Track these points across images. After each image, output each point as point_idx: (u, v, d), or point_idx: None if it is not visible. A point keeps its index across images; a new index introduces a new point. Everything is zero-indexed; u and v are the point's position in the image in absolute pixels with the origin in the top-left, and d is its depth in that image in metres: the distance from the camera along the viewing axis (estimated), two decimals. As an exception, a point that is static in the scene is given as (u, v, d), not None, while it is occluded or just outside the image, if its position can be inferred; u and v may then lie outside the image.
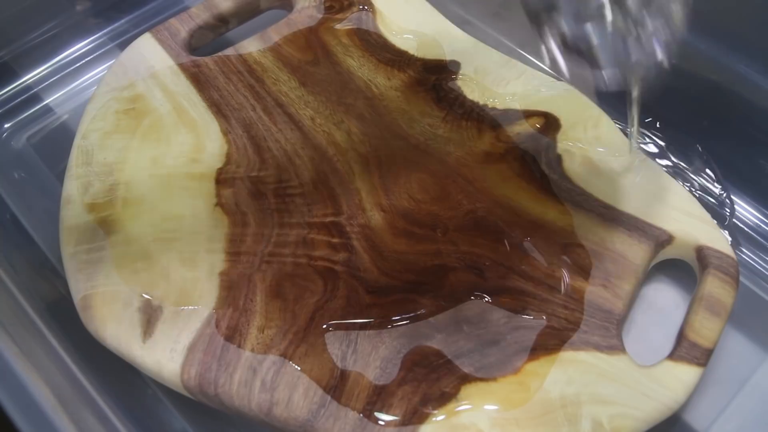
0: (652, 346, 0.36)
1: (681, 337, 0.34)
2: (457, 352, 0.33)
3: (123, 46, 0.45)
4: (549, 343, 0.34)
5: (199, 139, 0.40)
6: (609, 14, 0.27)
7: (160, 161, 0.39)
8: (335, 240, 0.36)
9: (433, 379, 0.32)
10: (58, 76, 0.48)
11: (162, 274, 0.35)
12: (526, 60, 0.44)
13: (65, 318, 0.35)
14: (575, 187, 0.39)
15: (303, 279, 0.35)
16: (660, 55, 0.29)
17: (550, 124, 0.41)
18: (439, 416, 0.31)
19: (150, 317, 0.33)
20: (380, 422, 0.31)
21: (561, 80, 0.43)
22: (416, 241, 0.37)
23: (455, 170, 0.39)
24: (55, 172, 0.43)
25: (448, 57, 0.44)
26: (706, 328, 0.34)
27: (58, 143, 0.44)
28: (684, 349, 0.34)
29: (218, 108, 0.41)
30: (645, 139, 0.44)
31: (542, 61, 0.29)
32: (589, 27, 0.27)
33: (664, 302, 0.38)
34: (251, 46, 0.44)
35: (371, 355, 0.33)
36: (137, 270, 0.35)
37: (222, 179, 0.38)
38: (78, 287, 0.34)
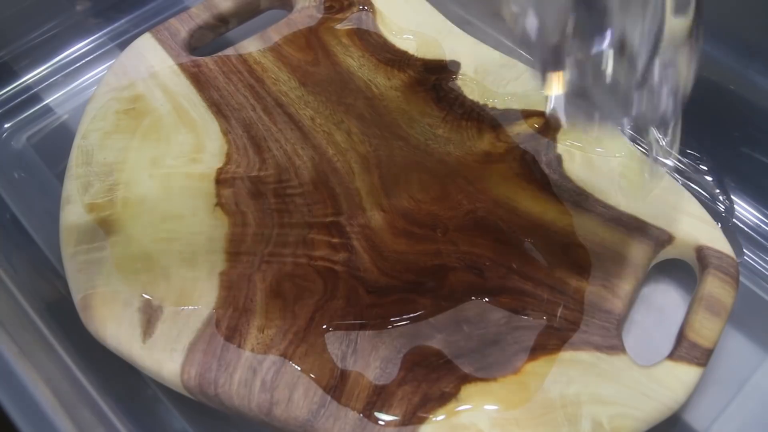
0: (652, 346, 0.36)
1: (681, 337, 0.34)
2: (457, 352, 0.33)
3: (123, 46, 0.45)
4: (549, 343, 0.34)
5: (199, 139, 0.40)
6: (611, 66, 0.26)
7: (160, 161, 0.39)
8: (335, 240, 0.36)
9: (433, 379, 0.32)
10: (58, 76, 0.48)
11: (162, 274, 0.35)
12: (526, 60, 0.44)
13: (65, 318, 0.35)
14: (575, 187, 0.39)
15: (303, 279, 0.35)
16: (667, 107, 0.28)
17: (549, 124, 0.41)
18: (439, 416, 0.31)
19: (150, 317, 0.33)
20: (380, 422, 0.31)
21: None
22: (416, 241, 0.37)
23: (455, 170, 0.39)
24: (55, 172, 0.43)
25: (448, 57, 0.44)
26: (706, 328, 0.34)
27: (58, 143, 0.44)
28: (684, 349, 0.34)
29: (218, 108, 0.41)
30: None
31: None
32: (595, 76, 0.27)
33: (664, 302, 0.38)
34: (251, 46, 0.44)
35: (371, 355, 0.33)
36: (137, 270, 0.35)
37: (222, 179, 0.38)
38: (78, 287, 0.34)
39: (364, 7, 0.47)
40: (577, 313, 0.35)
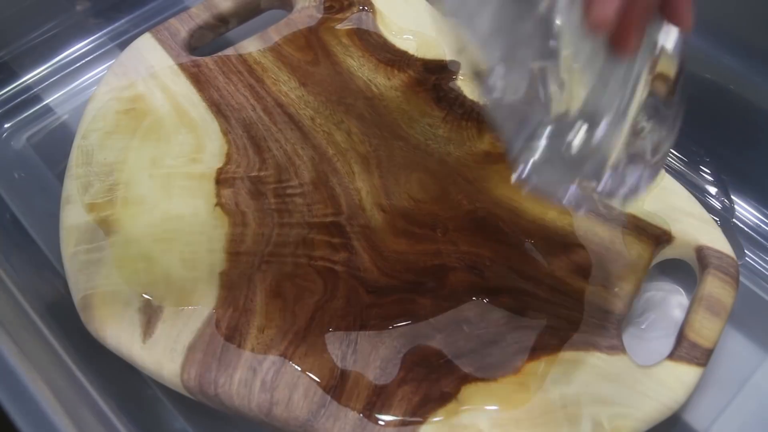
0: (652, 346, 0.36)
1: (681, 337, 0.34)
2: (457, 352, 0.33)
3: (123, 46, 0.45)
4: (549, 343, 0.34)
5: (199, 139, 0.40)
6: (577, 145, 0.26)
7: (160, 161, 0.39)
8: (335, 240, 0.36)
9: (433, 379, 0.32)
10: (58, 76, 0.48)
11: (162, 274, 0.35)
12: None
13: (65, 318, 0.35)
14: (575, 187, 0.39)
15: (303, 279, 0.35)
16: (638, 186, 0.28)
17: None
18: (439, 416, 0.31)
19: (150, 317, 0.33)
20: (380, 422, 0.31)
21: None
22: (416, 241, 0.37)
23: (455, 170, 0.39)
24: (55, 172, 0.43)
25: (448, 57, 0.44)
26: (706, 328, 0.34)
27: (58, 143, 0.44)
28: (684, 349, 0.34)
29: (218, 108, 0.41)
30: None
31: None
32: (564, 148, 0.26)
33: (664, 302, 0.38)
34: (251, 46, 0.44)
35: (371, 355, 0.33)
36: (137, 270, 0.35)
37: (222, 179, 0.38)
38: (78, 287, 0.34)
39: (364, 7, 0.47)
40: (577, 313, 0.35)
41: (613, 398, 0.32)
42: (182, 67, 0.43)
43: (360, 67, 0.44)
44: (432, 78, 0.43)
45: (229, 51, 0.44)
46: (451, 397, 0.32)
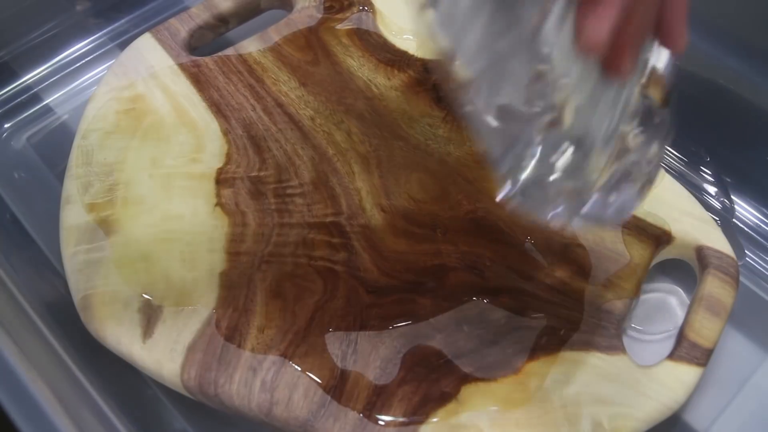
0: (652, 346, 0.36)
1: (681, 337, 0.34)
2: (457, 352, 0.33)
3: (123, 46, 0.45)
4: (549, 343, 0.34)
5: (199, 139, 0.40)
6: (563, 166, 0.25)
7: (160, 161, 0.39)
8: (335, 240, 0.36)
9: (433, 379, 0.32)
10: (58, 76, 0.48)
11: (162, 274, 0.35)
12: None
13: (65, 318, 0.35)
14: (575, 187, 0.39)
15: (303, 279, 0.35)
16: (623, 208, 0.28)
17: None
18: (439, 416, 0.31)
19: (150, 317, 0.33)
20: (380, 422, 0.31)
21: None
22: (416, 241, 0.37)
23: (455, 170, 0.39)
24: (55, 172, 0.43)
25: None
26: (706, 328, 0.34)
27: (58, 143, 0.44)
28: (684, 349, 0.34)
29: (218, 108, 0.41)
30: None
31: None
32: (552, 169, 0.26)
33: (664, 302, 0.38)
34: (251, 46, 0.44)
35: (371, 355, 0.33)
36: (137, 270, 0.35)
37: (222, 179, 0.38)
38: (78, 287, 0.34)
39: (364, 7, 0.47)
40: (577, 313, 0.35)
41: (613, 398, 0.32)
42: (182, 67, 0.43)
43: (360, 67, 0.44)
44: (432, 78, 0.43)
45: (229, 51, 0.44)
46: (451, 397, 0.32)
